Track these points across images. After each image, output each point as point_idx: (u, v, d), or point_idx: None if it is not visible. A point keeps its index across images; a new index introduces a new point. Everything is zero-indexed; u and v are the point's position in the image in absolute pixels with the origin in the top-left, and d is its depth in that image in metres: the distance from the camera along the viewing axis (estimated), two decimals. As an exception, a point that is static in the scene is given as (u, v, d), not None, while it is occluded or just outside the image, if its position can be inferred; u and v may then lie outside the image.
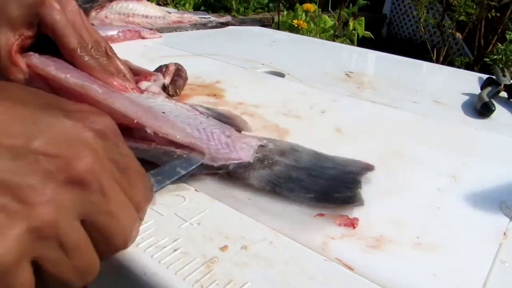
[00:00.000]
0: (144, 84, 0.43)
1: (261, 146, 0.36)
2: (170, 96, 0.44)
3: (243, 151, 0.34)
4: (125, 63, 0.44)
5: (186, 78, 0.52)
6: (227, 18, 1.00)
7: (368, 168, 0.35)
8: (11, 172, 0.17)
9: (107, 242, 0.21)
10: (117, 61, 0.41)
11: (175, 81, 0.49)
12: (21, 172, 0.17)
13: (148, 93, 0.40)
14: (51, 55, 0.38)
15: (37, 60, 0.37)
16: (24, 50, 0.37)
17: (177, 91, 0.48)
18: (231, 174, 0.33)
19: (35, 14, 0.36)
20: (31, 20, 0.36)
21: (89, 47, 0.39)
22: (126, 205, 0.22)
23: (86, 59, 0.38)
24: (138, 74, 0.45)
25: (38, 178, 0.18)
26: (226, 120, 0.39)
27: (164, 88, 0.45)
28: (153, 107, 0.37)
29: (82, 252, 0.20)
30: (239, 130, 0.39)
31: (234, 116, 0.41)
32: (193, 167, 0.32)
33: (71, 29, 0.38)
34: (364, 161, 0.36)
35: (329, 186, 0.32)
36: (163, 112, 0.36)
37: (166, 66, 0.51)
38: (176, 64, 0.52)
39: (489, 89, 0.57)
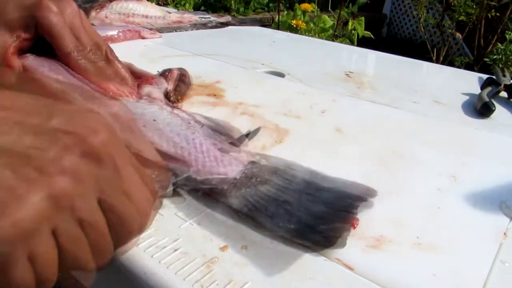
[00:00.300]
0: (145, 89, 0.42)
1: (253, 162, 0.33)
2: (171, 102, 0.43)
3: (230, 166, 0.32)
4: (128, 66, 0.43)
5: (190, 84, 0.50)
6: (227, 18, 1.00)
7: (369, 193, 0.32)
8: (32, 146, 0.19)
9: (122, 224, 0.22)
10: (118, 65, 0.41)
11: (178, 86, 0.48)
12: (41, 146, 0.19)
13: (146, 99, 0.39)
14: (49, 57, 0.37)
15: (30, 62, 0.36)
16: (23, 52, 0.37)
17: (179, 98, 0.46)
18: (213, 190, 0.31)
19: (32, 17, 0.36)
20: (28, 22, 0.36)
21: (87, 50, 0.38)
22: (140, 187, 0.23)
23: (81, 62, 0.37)
24: (140, 78, 0.44)
25: (56, 151, 0.19)
26: (223, 131, 0.38)
27: (167, 94, 0.44)
28: (145, 114, 0.36)
29: (97, 231, 0.20)
30: (234, 143, 0.37)
31: (231, 128, 0.39)
32: (177, 179, 0.30)
33: (67, 32, 0.37)
34: (366, 185, 0.32)
35: (318, 214, 0.29)
36: (154, 120, 0.35)
37: (169, 71, 0.49)
38: (180, 69, 0.50)
39: (489, 89, 0.57)
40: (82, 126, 0.21)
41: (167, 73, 0.48)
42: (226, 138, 0.36)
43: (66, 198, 0.19)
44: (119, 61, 0.42)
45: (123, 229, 0.22)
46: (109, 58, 0.40)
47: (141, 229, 0.23)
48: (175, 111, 0.39)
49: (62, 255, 0.19)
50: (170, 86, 0.46)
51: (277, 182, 0.32)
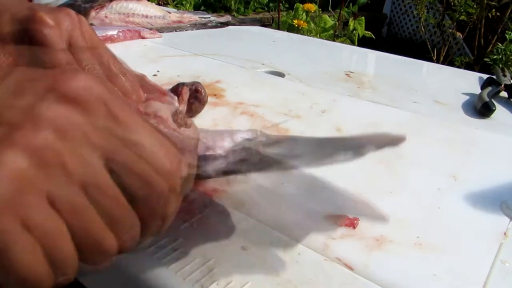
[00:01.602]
0: (153, 106, 0.37)
1: (248, 139, 0.29)
2: (178, 126, 0.40)
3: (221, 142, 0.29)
4: (140, 78, 0.40)
5: (205, 101, 0.44)
6: (227, 18, 1.00)
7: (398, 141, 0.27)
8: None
9: (143, 189, 0.17)
10: (121, 79, 0.37)
11: (192, 104, 0.43)
12: (3, 98, 0.15)
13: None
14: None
15: None
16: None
17: (187, 122, 0.39)
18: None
19: (25, 30, 0.33)
20: (21, 37, 0.33)
21: (82, 66, 0.35)
22: (157, 138, 0.17)
23: None
24: (152, 92, 0.39)
25: (24, 102, 0.15)
26: None
27: (175, 114, 0.41)
28: None
29: (108, 197, 0.16)
30: None
31: None
32: None
33: (60, 48, 0.34)
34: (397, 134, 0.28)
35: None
36: None
37: (182, 87, 0.42)
38: (195, 84, 0.44)
39: (489, 89, 0.57)
40: (52, 73, 0.16)
41: (180, 89, 0.42)
42: None
43: (51, 154, 0.15)
44: (125, 73, 0.38)
45: (147, 197, 0.17)
46: (112, 71, 0.37)
47: (172, 191, 0.17)
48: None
49: (71, 231, 0.15)
50: (181, 107, 0.41)
51: (270, 151, 0.27)
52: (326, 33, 1.91)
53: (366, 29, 1.99)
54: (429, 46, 2.30)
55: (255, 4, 3.16)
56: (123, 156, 0.16)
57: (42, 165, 0.15)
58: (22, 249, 0.14)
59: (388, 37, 3.84)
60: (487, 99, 0.52)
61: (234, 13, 2.86)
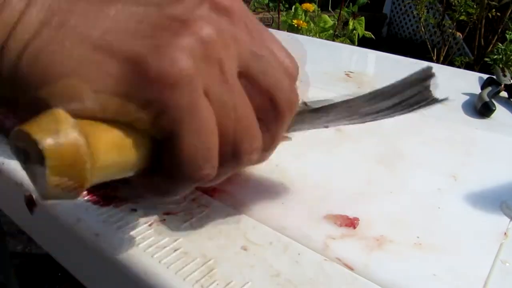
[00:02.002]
0: None
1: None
2: None
3: None
4: None
5: None
6: (227, 18, 1.00)
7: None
8: (160, 3, 0.17)
9: (267, 96, 0.19)
10: None
11: None
12: (171, 3, 0.17)
13: None
14: None
15: None
16: None
17: None
18: None
19: None
20: None
21: None
22: (287, 54, 0.20)
23: None
24: None
25: (183, 7, 0.17)
26: None
27: None
28: None
29: (245, 108, 0.18)
30: None
31: None
32: None
33: None
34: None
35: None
36: None
37: None
38: None
39: (489, 89, 0.57)
40: None
41: None
42: None
43: (213, 50, 0.17)
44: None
45: (270, 101, 0.19)
46: None
47: (289, 107, 0.20)
48: None
49: (219, 128, 0.18)
50: None
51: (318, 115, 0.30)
52: (325, 33, 1.91)
53: (366, 29, 1.99)
54: (429, 46, 2.30)
55: (255, 4, 3.16)
56: (254, 70, 0.19)
57: (206, 57, 0.17)
58: (205, 115, 0.17)
59: (388, 37, 3.84)
60: (487, 99, 0.52)
61: (234, 13, 2.86)
